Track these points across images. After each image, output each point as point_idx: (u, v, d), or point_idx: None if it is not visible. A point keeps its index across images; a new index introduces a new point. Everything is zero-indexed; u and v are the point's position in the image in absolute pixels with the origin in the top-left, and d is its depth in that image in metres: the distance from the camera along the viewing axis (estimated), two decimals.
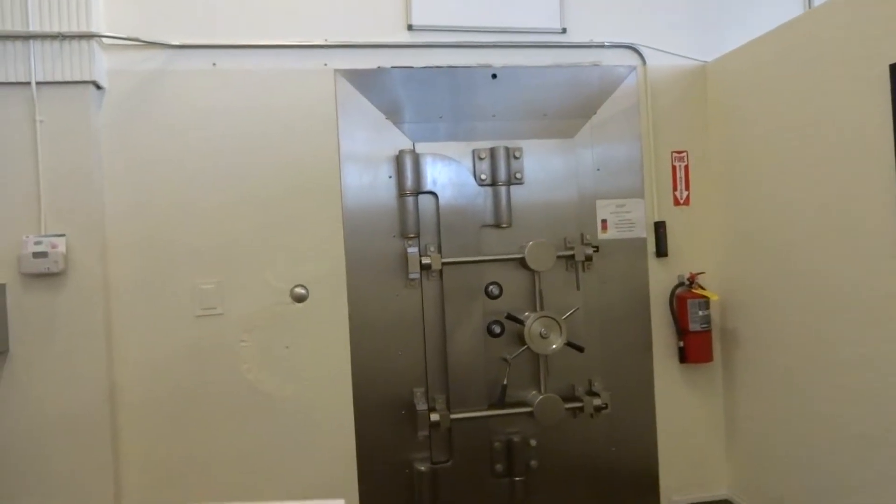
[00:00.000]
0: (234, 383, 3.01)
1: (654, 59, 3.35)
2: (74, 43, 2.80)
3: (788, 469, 2.95)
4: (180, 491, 2.96)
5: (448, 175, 3.13)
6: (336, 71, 3.09)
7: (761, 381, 3.11)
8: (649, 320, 3.31)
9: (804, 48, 2.73)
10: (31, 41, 2.78)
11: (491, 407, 3.11)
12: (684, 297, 3.27)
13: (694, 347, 3.28)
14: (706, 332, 3.29)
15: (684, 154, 3.38)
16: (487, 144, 3.18)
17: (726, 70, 3.27)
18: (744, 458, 3.28)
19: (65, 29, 2.79)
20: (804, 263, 2.78)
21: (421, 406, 3.02)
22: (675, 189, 3.36)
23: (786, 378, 2.93)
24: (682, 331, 3.27)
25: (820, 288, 2.70)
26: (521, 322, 3.08)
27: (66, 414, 2.82)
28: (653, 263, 3.32)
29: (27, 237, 2.77)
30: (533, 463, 3.16)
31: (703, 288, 3.30)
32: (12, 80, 2.77)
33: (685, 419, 3.35)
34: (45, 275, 2.78)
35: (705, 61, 3.39)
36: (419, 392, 3.10)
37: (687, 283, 3.31)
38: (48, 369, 2.81)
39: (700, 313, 3.25)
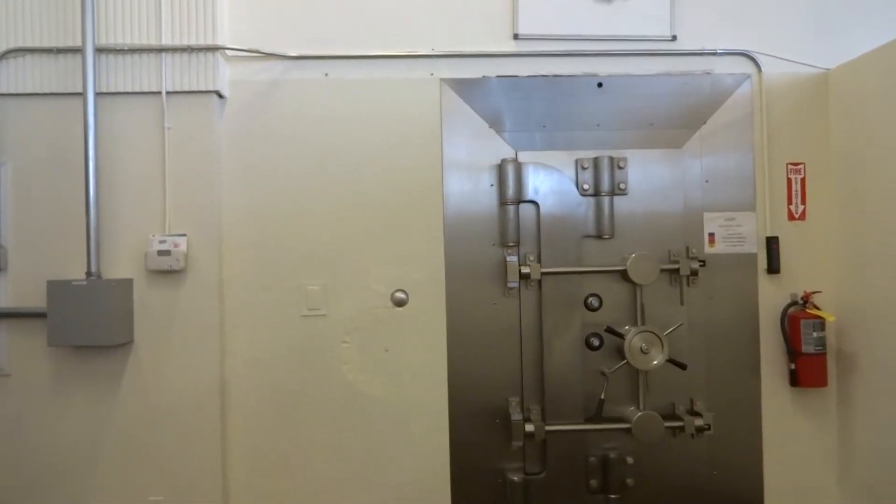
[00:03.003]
0: (334, 382, 3.11)
1: (770, 67, 3.20)
2: (201, 55, 2.99)
3: None
4: (282, 482, 3.09)
5: (550, 184, 3.11)
6: (442, 80, 3.15)
7: (881, 409, 2.89)
8: (758, 340, 3.16)
9: None
10: (163, 54, 2.99)
11: (587, 421, 3.06)
12: (797, 316, 3.09)
13: (807, 370, 3.10)
14: (821, 355, 3.10)
15: (801, 166, 3.21)
16: (591, 154, 3.14)
17: (850, 78, 3.08)
18: (859, 491, 3.06)
19: (192, 42, 2.98)
20: None
21: (516, 416, 3.02)
22: (789, 203, 3.20)
23: None
24: (794, 352, 3.10)
25: None
26: (622, 336, 3.01)
27: (180, 403, 2.99)
28: (763, 280, 3.16)
29: (153, 236, 2.97)
30: (629, 481, 3.09)
31: (818, 308, 3.11)
32: (145, 89, 2.99)
33: (795, 446, 3.17)
34: (167, 272, 2.97)
35: (827, 68, 3.20)
36: (514, 401, 3.10)
37: (801, 302, 3.13)
38: (167, 360, 3.00)
39: (814, 334, 3.07)
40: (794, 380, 3.12)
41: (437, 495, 3.10)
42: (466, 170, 3.14)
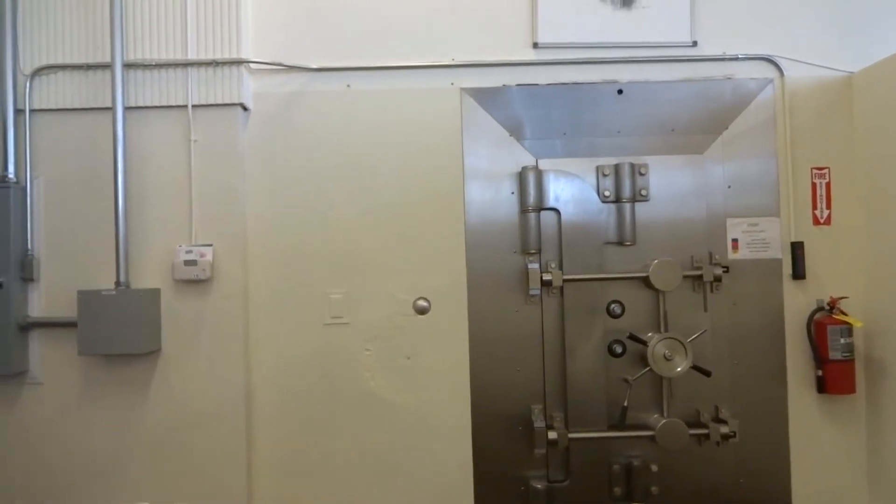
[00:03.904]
0: (357, 390, 3.13)
1: (792, 71, 3.18)
2: (226, 69, 3.05)
3: None
4: (306, 488, 3.12)
5: (571, 191, 3.11)
6: (462, 89, 3.17)
7: None
8: (784, 346, 3.12)
9: None
10: (189, 68, 3.05)
11: (611, 428, 3.05)
12: (824, 322, 3.06)
13: (834, 377, 3.06)
14: (848, 362, 3.05)
15: (826, 171, 3.17)
16: (612, 161, 3.15)
17: (875, 81, 3.04)
18: (890, 499, 3.01)
19: (218, 56, 3.04)
20: None
21: (539, 423, 3.01)
22: (814, 207, 3.16)
23: None
24: (820, 359, 3.06)
25: None
26: (645, 343, 3.00)
27: (206, 410, 3.04)
28: (788, 286, 3.13)
29: (180, 246, 3.03)
30: (653, 489, 3.06)
31: (845, 313, 3.07)
32: (172, 103, 3.06)
33: (823, 454, 3.12)
34: (193, 281, 3.03)
35: (851, 72, 3.17)
36: (537, 409, 3.10)
37: (827, 307, 3.09)
38: (193, 368, 3.05)
39: (842, 341, 3.03)
40: (822, 386, 3.08)
41: (461, 503, 3.11)
42: (487, 178, 3.16)
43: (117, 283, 2.96)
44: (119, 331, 2.88)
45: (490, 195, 3.16)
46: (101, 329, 2.88)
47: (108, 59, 3.01)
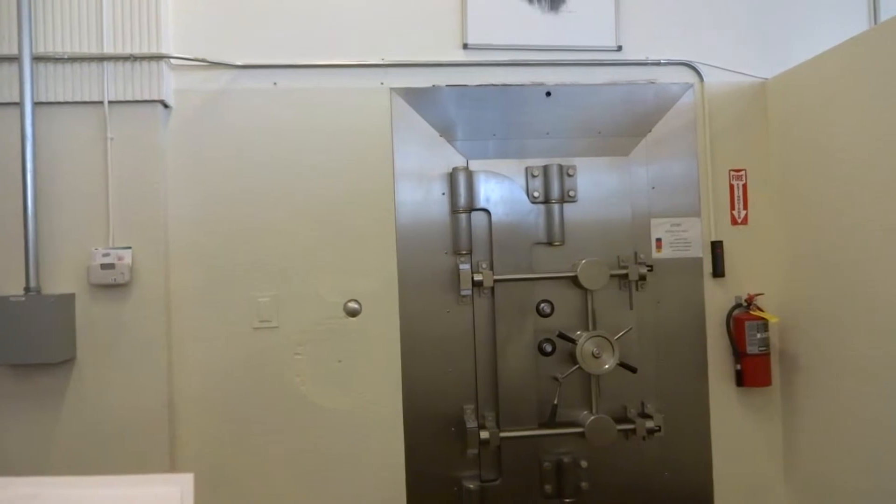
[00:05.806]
0: (288, 395, 3.06)
1: (711, 76, 3.30)
2: (145, 64, 2.93)
3: (853, 501, 2.83)
4: (235, 497, 3.02)
5: (501, 192, 3.14)
6: (392, 89, 3.15)
7: (824, 407, 3.00)
8: (705, 342, 3.24)
9: (870, 64, 2.65)
10: (105, 63, 2.91)
11: (541, 426, 3.08)
12: (742, 318, 3.19)
13: (751, 370, 3.19)
14: (764, 355, 3.19)
15: (742, 172, 3.31)
16: (541, 162, 3.18)
17: (787, 87, 3.20)
18: (804, 486, 3.16)
19: (136, 51, 2.92)
20: (870, 286, 2.68)
21: (471, 423, 3.02)
22: (732, 208, 3.29)
23: (850, 405, 2.82)
24: (739, 353, 3.19)
25: (886, 310, 2.60)
26: (573, 341, 3.05)
27: (126, 422, 2.90)
28: (709, 284, 3.25)
29: (96, 249, 2.89)
30: (583, 485, 3.12)
31: (761, 309, 3.21)
32: (87, 99, 2.91)
33: (742, 444, 3.25)
34: (111, 286, 2.89)
35: (765, 78, 3.32)
36: (469, 409, 3.10)
37: (744, 304, 3.22)
38: (112, 376, 2.91)
39: (758, 335, 3.17)
40: (740, 380, 3.21)
41: None
42: (418, 179, 3.15)
43: (27, 289, 2.80)
44: (29, 339, 2.72)
45: (421, 196, 3.14)
46: (9, 337, 2.71)
47: (15, 52, 2.83)
